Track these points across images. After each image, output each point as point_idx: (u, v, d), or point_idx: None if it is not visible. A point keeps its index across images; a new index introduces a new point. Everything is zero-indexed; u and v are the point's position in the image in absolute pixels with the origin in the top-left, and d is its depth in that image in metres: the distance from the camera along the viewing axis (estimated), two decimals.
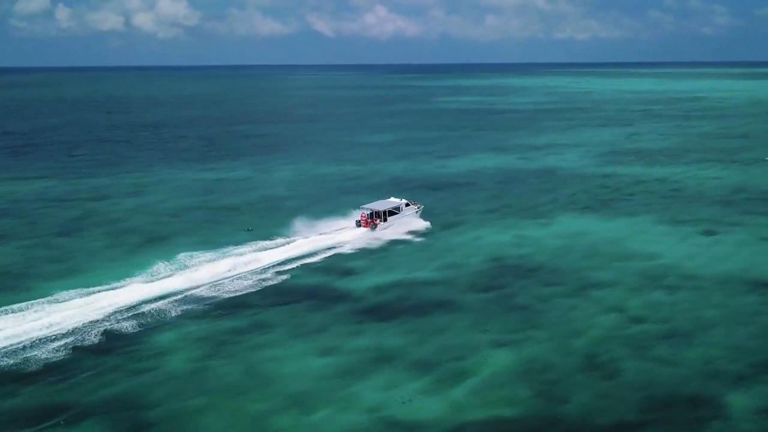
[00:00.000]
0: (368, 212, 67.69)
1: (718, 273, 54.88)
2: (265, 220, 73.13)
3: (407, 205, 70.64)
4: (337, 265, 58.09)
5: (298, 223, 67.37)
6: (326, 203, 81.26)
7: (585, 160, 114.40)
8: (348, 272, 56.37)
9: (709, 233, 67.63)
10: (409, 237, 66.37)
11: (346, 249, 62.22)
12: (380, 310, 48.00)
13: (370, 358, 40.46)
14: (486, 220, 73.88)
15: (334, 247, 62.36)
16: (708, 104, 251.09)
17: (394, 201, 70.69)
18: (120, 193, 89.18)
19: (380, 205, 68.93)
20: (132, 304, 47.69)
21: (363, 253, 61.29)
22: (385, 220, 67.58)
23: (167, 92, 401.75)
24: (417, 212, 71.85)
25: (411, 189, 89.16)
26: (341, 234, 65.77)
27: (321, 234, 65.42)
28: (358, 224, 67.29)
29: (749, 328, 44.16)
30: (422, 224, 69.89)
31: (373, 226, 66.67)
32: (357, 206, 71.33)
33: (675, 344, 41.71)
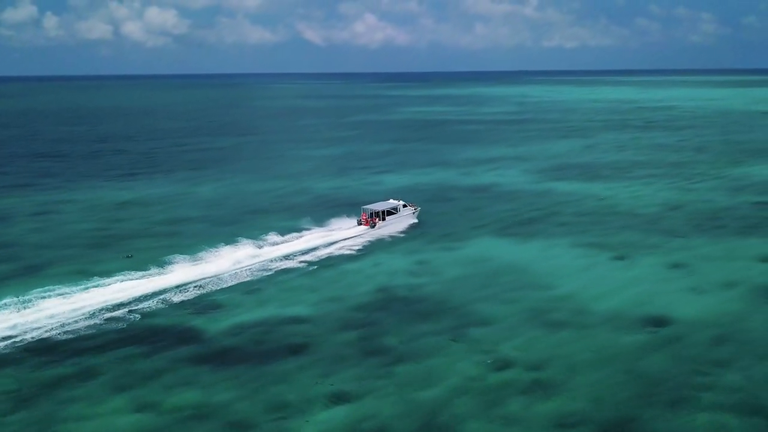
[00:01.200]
0: (369, 212, 74.26)
1: (610, 307, 50.69)
2: (152, 246, 68.35)
3: (404, 206, 77.34)
4: (209, 298, 53.49)
5: (179, 258, 62.52)
6: (231, 226, 76.64)
7: (525, 176, 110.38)
8: (214, 307, 51.80)
9: (620, 258, 63.55)
10: (298, 264, 61.88)
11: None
12: (225, 356, 43.46)
13: (186, 417, 35.99)
14: (392, 244, 69.46)
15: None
16: (678, 114, 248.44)
17: (392, 202, 77.65)
18: (19, 214, 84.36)
19: (380, 206, 75.50)
20: None
21: (244, 285, 56.68)
22: (384, 219, 74.03)
23: (139, 102, 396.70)
24: (414, 213, 78.40)
25: (330, 208, 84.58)
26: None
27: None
28: (359, 223, 73.56)
29: (621, 376, 39.89)
30: (415, 222, 77.01)
31: (372, 225, 72.97)
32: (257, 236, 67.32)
33: (532, 398, 37.40)
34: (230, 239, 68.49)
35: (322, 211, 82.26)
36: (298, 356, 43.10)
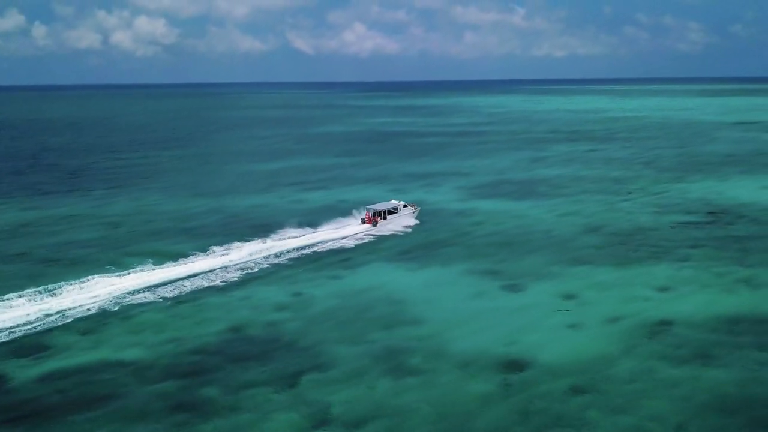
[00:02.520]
0: (372, 212, 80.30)
1: (473, 347, 46.26)
2: (23, 273, 63.37)
3: (405, 206, 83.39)
4: (40, 338, 48.54)
5: (30, 292, 57.50)
6: (118, 250, 71.85)
7: (454, 193, 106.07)
8: (39, 349, 46.85)
9: (511, 289, 59.20)
10: (158, 297, 56.96)
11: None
12: (17, 409, 38.55)
13: None
14: (277, 270, 64.67)
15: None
16: (644, 124, 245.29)
17: (394, 203, 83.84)
18: None
19: (382, 206, 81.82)
20: None
21: (90, 320, 51.80)
22: (385, 218, 79.94)
23: (101, 113, 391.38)
24: (414, 213, 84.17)
25: (233, 231, 79.90)
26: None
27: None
28: (363, 221, 79.47)
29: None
30: (414, 221, 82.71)
31: (375, 223, 78.87)
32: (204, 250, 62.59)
33: None
34: (114, 264, 64.06)
35: (220, 235, 77.60)
36: (95, 410, 38.30)
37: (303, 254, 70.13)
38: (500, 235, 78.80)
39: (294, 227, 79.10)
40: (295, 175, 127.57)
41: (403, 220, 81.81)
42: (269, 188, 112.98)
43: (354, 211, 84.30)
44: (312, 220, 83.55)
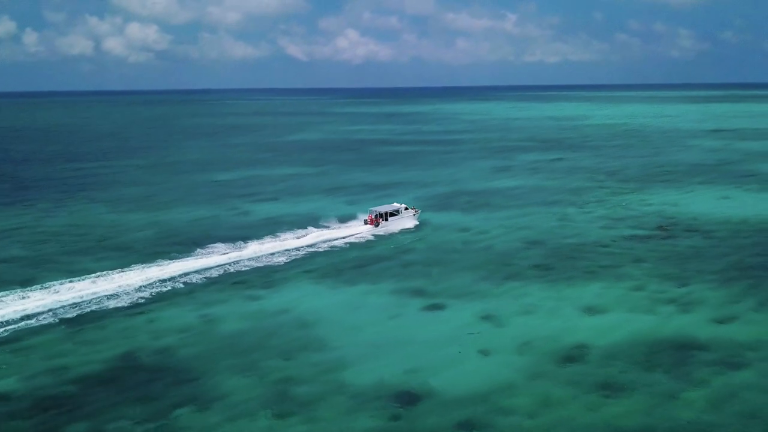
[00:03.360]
0: (375, 213, 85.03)
1: (372, 378, 43.57)
2: None
3: (406, 209, 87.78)
4: None
5: None
6: (41, 266, 68.79)
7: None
8: None
9: (433, 309, 56.82)
10: (56, 320, 54.01)
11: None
12: None
13: None
14: (193, 290, 61.77)
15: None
16: (620, 131, 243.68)
17: (396, 206, 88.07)
18: None
19: (384, 209, 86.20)
20: None
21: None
22: (387, 219, 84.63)
23: (85, 120, 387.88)
24: (414, 215, 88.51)
25: (166, 246, 77.07)
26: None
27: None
28: (366, 222, 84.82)
29: None
30: (414, 223, 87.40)
31: (377, 224, 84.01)
32: None
33: None
34: (26, 283, 61.57)
35: (148, 251, 74.80)
36: None
37: (228, 272, 67.36)
38: (439, 250, 76.17)
39: (224, 242, 76.61)
40: (250, 186, 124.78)
41: (404, 222, 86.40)
42: (218, 200, 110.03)
43: (296, 228, 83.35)
44: (248, 234, 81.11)
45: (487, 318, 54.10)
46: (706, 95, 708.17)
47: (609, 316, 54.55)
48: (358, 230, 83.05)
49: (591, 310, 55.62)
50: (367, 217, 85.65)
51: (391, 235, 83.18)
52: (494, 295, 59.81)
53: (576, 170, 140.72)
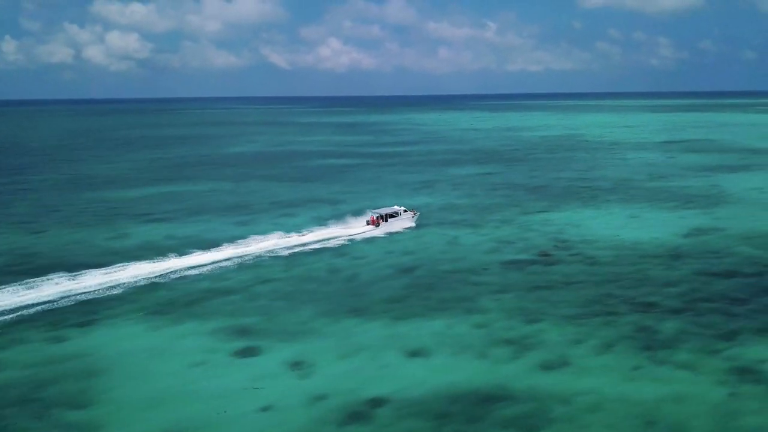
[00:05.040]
0: (376, 215, 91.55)
1: None
2: None
3: (405, 211, 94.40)
4: None
5: None
6: None
7: (298, 228, 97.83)
8: None
9: (244, 354, 51.51)
10: None
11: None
12: None
13: None
14: (11, 325, 56.04)
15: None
16: (569, 143, 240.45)
17: (396, 208, 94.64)
18: None
19: (384, 210, 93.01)
20: None
21: None
22: (386, 221, 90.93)
23: (21, 132, 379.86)
24: (413, 217, 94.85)
25: (19, 274, 71.21)
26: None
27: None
28: (367, 223, 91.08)
29: None
30: (412, 225, 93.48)
31: (378, 225, 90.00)
32: None
33: None
34: None
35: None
36: None
37: (55, 307, 61.79)
38: (298, 279, 70.91)
39: (71, 271, 71.23)
40: (148, 204, 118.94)
41: (404, 223, 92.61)
42: (101, 221, 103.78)
43: (162, 255, 78.13)
44: (108, 260, 75.79)
45: (296, 365, 48.88)
46: (679, 104, 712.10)
47: (432, 360, 49.59)
48: (360, 230, 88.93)
49: (417, 354, 50.62)
50: (368, 219, 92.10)
51: (263, 256, 77.81)
52: (323, 335, 54.68)
53: (499, 186, 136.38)
